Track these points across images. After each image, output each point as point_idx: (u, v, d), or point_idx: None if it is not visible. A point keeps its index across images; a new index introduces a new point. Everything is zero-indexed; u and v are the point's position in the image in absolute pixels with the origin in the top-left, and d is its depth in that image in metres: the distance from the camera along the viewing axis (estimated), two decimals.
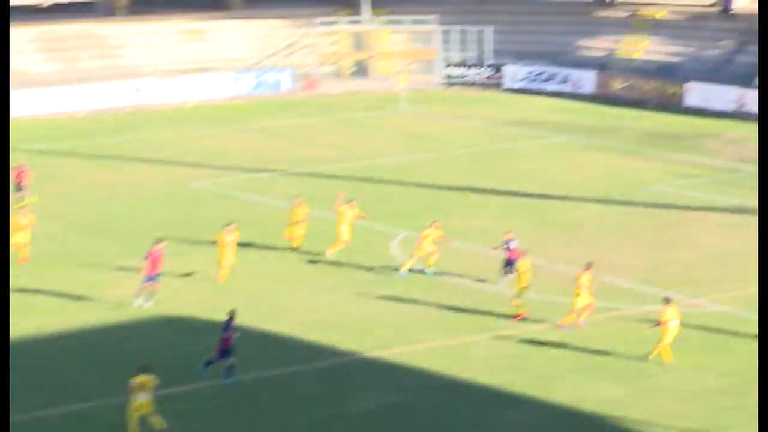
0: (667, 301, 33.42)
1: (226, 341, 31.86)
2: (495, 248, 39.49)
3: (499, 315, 36.55)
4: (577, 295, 35.06)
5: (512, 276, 37.43)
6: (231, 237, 39.24)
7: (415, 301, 37.87)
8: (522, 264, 36.40)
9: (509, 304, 36.48)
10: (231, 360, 31.83)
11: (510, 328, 35.77)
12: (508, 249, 38.95)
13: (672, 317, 32.98)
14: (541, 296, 37.83)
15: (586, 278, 35.08)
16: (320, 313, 37.05)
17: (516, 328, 35.73)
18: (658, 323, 33.10)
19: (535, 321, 36.15)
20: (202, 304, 37.46)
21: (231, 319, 32.13)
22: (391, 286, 39.20)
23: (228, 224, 39.53)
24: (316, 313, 37.08)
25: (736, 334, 34.98)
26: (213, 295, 38.36)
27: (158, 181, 52.64)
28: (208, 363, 31.93)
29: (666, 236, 44.33)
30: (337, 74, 74.91)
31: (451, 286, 39.36)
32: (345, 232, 41.41)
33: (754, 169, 53.84)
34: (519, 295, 36.27)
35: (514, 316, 36.25)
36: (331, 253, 41.43)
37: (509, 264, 38.25)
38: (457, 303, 37.67)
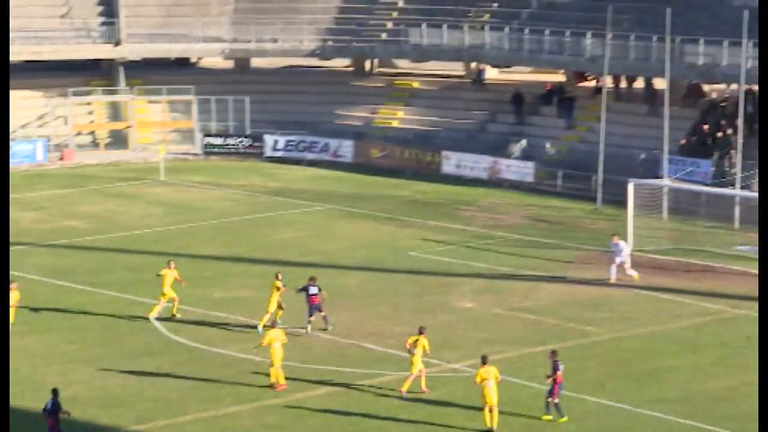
0: (483, 360, 33.75)
1: (54, 426, 30.86)
2: (298, 290, 41.10)
3: (261, 385, 36.30)
4: (416, 355, 35.32)
5: (323, 324, 40.08)
6: None
7: (176, 374, 37.29)
8: (273, 335, 36.28)
9: (270, 374, 36.26)
10: None
11: (272, 397, 35.55)
12: (308, 294, 40.71)
13: (488, 376, 33.30)
14: (305, 365, 37.76)
15: (424, 342, 35.44)
16: (77, 388, 36.06)
17: (279, 398, 35.52)
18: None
19: (299, 389, 36.01)
20: None
21: (55, 397, 31.14)
22: (151, 359, 38.54)
23: None
24: (73, 388, 36.05)
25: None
26: None
27: None
28: None
29: (425, 302, 44.92)
30: (94, 144, 73.73)
31: (213, 356, 38.93)
32: (168, 293, 42.02)
33: (506, 234, 55.23)
34: (276, 364, 36.09)
35: (275, 386, 36.04)
36: (153, 314, 42.01)
37: (313, 311, 40.48)
38: (219, 374, 37.27)
